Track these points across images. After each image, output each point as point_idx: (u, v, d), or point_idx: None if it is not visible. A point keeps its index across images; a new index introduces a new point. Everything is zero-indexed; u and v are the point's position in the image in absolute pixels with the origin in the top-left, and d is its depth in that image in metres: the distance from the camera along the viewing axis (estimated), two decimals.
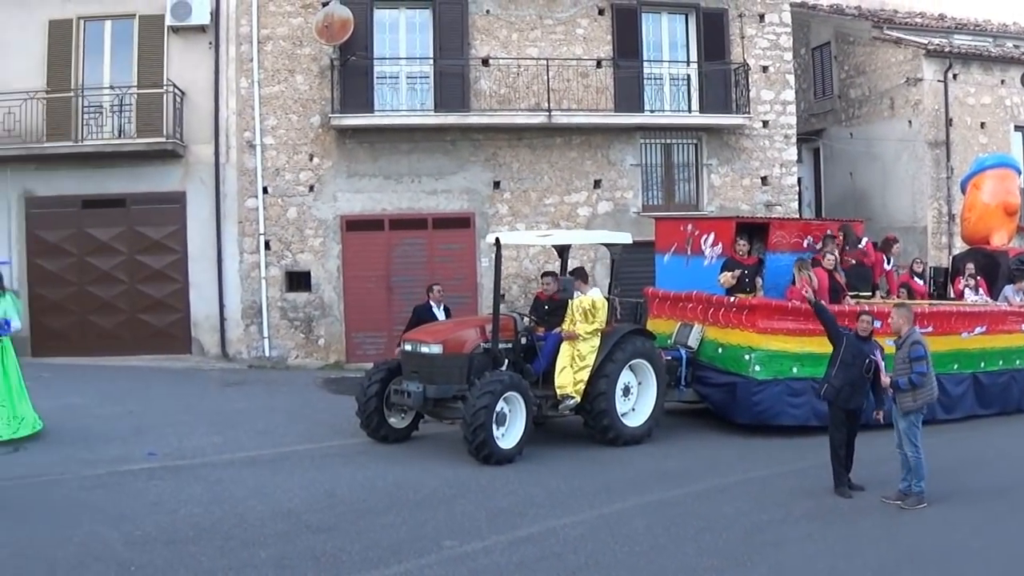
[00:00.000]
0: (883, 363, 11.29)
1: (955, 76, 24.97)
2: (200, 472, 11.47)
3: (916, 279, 19.00)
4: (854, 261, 16.95)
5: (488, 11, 21.49)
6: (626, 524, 10.03)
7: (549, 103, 21.09)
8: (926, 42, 25.23)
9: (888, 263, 18.19)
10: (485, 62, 21.40)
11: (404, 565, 8.34)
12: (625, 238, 15.40)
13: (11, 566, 7.85)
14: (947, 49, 25.30)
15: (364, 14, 20.66)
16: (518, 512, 10.36)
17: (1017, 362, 18.39)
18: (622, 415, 14.04)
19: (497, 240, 13.84)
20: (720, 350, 15.86)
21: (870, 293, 17.36)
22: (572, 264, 15.67)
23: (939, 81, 24.73)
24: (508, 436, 12.64)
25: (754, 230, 16.91)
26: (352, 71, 20.55)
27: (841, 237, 16.81)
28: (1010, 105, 25.87)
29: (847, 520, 10.46)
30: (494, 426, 12.35)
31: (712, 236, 16.87)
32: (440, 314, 15.22)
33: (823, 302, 14.93)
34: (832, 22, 28.13)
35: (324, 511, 9.95)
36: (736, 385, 15.43)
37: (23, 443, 12.37)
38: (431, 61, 21.18)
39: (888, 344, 11.48)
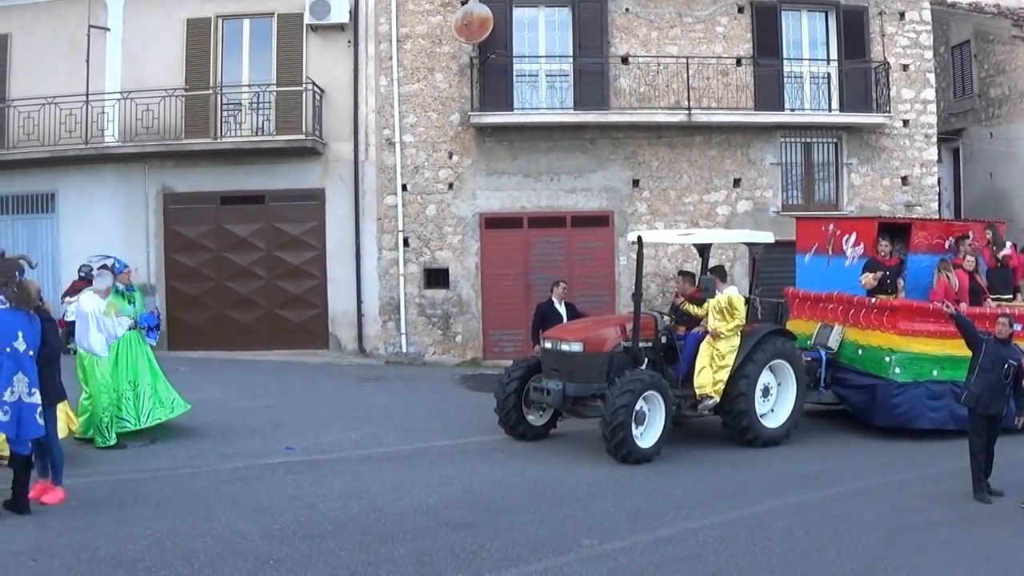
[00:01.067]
0: None
1: None
2: (338, 467, 11.55)
3: None
4: (999, 262, 16.68)
5: (627, 9, 21.49)
6: (765, 526, 9.99)
7: (689, 101, 21.01)
8: None
9: None
10: (624, 60, 21.37)
11: (543, 563, 8.32)
12: (767, 237, 15.36)
13: (149, 557, 7.94)
14: None
15: (503, 12, 20.82)
16: (657, 512, 10.35)
17: None
18: (761, 416, 13.97)
19: (639, 238, 13.83)
20: (860, 352, 15.73)
21: (1011, 296, 17.04)
22: (712, 264, 15.65)
23: None
24: (647, 435, 12.62)
25: (895, 231, 16.76)
26: (491, 69, 20.70)
27: (990, 235, 16.59)
28: None
29: (986, 526, 10.34)
30: (633, 425, 12.35)
31: (854, 236, 16.76)
32: (563, 311, 15.21)
33: (964, 303, 15.01)
34: (971, 20, 27.59)
35: (462, 508, 9.96)
36: (876, 387, 15.29)
37: (160, 436, 12.59)
38: (570, 59, 21.23)
39: None
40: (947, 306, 12.02)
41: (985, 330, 11.89)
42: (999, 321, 11.39)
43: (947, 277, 15.40)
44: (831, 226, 17.48)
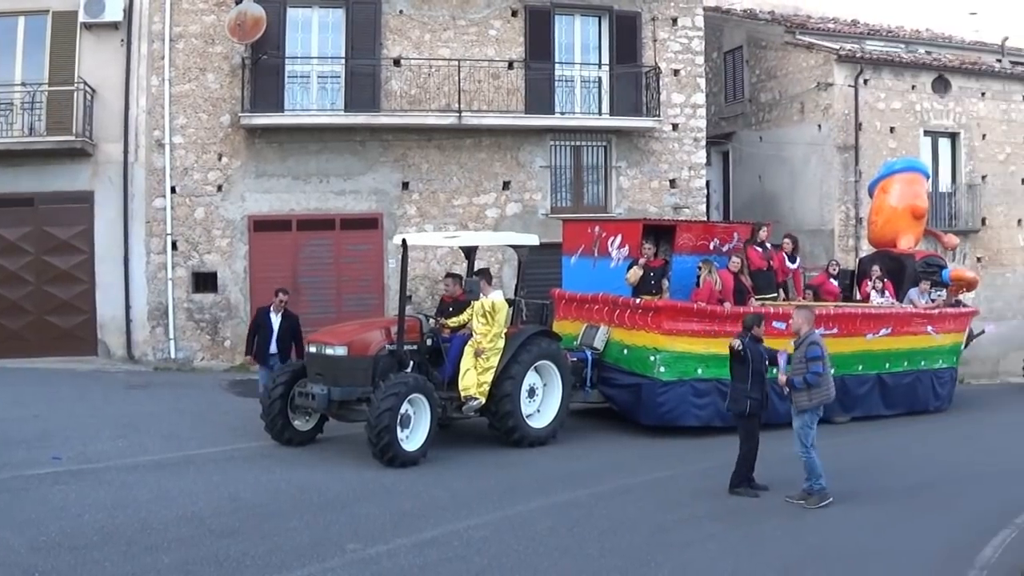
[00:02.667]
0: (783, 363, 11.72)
1: (866, 81, 25.70)
2: (104, 476, 11.50)
3: (832, 280, 19.64)
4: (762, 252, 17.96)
5: (401, 11, 21.75)
6: (530, 526, 10.24)
7: (460, 104, 21.36)
8: (838, 47, 25.94)
9: (793, 263, 18.89)
10: (397, 62, 21.62)
11: (307, 569, 8.47)
12: (532, 240, 15.67)
13: None
14: (858, 55, 26.02)
15: (277, 13, 20.77)
16: (422, 515, 10.51)
17: (922, 363, 19.22)
18: (527, 416, 14.23)
19: (404, 241, 13.99)
20: (626, 351, 16.21)
21: (775, 295, 17.94)
22: (479, 266, 15.90)
23: (850, 86, 25.43)
24: (413, 438, 12.75)
25: (661, 232, 17.32)
26: (263, 70, 20.69)
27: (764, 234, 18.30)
28: (920, 110, 26.71)
29: (751, 520, 10.82)
30: (399, 428, 12.45)
31: (619, 238, 17.18)
32: (276, 321, 15.27)
33: (728, 303, 15.99)
34: (745, 26, 28.90)
35: (228, 515, 10.03)
36: (641, 386, 15.81)
37: None
38: (342, 61, 21.35)
39: (791, 345, 11.93)
40: (734, 343, 12.11)
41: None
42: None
43: (714, 278, 16.08)
44: (597, 228, 17.98)
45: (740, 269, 16.77)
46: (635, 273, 16.14)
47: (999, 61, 29.42)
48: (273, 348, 15.20)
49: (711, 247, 17.25)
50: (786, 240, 19.08)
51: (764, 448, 12.22)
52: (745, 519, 10.88)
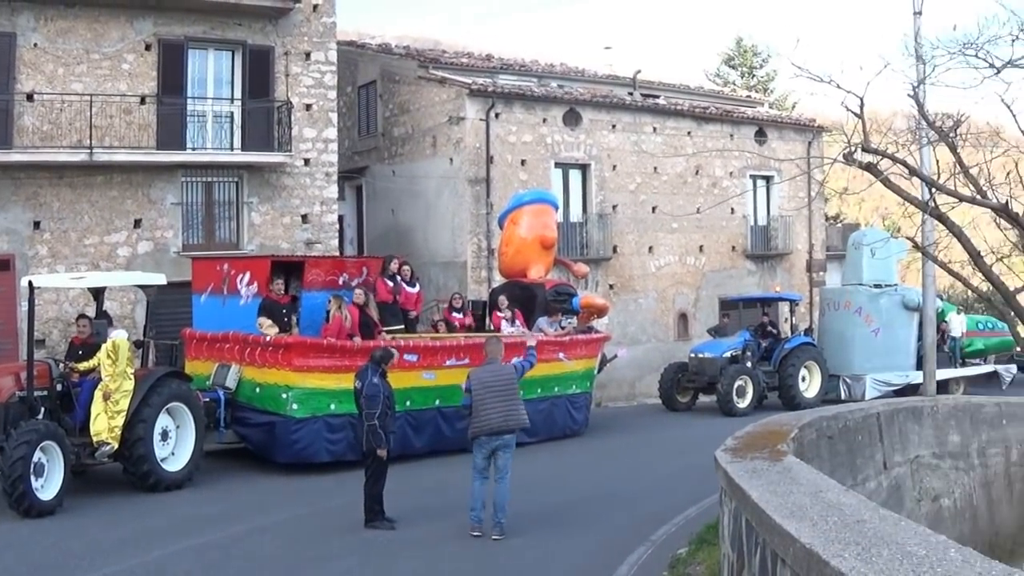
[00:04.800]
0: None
1: (497, 115, 31.70)
2: None
3: (455, 313, 23.86)
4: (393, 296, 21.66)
5: (36, 44, 24.58)
6: (166, 571, 11.81)
7: (91, 140, 24.50)
8: (470, 82, 31.83)
9: (413, 287, 22.95)
10: (30, 97, 24.41)
11: None
12: (158, 279, 18.46)
13: None
14: (491, 89, 32.01)
15: None
16: (58, 566, 11.91)
17: (556, 389, 23.23)
18: (161, 460, 16.33)
19: (30, 283, 16.05)
20: (258, 390, 18.84)
21: (402, 327, 21.80)
22: (110, 307, 18.65)
23: (481, 120, 31.31)
24: (48, 487, 14.36)
25: (291, 268, 20.59)
26: None
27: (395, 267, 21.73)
28: (551, 143, 33.11)
29: (386, 553, 12.96)
30: (32, 477, 13.96)
31: (248, 275, 20.04)
32: None
33: (357, 337, 19.18)
34: (380, 61, 34.39)
35: None
36: (275, 424, 18.44)
37: None
38: None
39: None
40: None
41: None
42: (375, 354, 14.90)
43: (344, 314, 19.15)
44: (226, 266, 21.00)
45: (365, 302, 20.01)
46: (267, 325, 19.05)
47: (631, 94, 36.74)
48: None
49: (340, 282, 20.52)
50: (404, 267, 22.92)
51: (403, 480, 15.20)
52: (380, 553, 12.92)
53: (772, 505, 6.91)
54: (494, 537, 13.83)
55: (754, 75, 58.14)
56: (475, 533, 13.95)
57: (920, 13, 27.53)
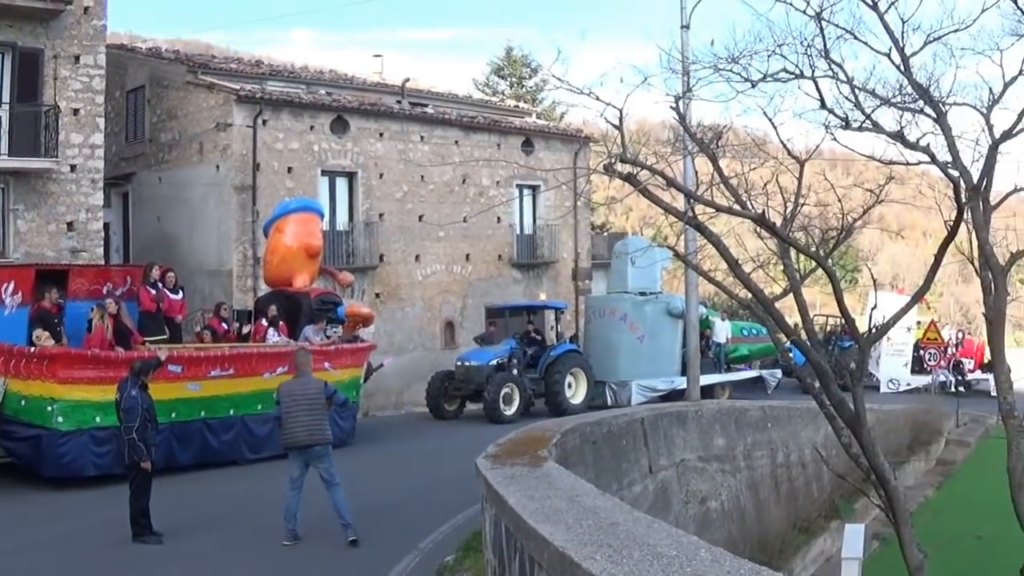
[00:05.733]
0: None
1: (265, 122, 33.88)
2: None
3: (222, 322, 25.28)
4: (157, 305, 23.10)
5: None
6: None
7: None
8: (238, 88, 33.96)
9: (176, 294, 24.49)
10: None
11: None
12: None
13: None
14: (259, 95, 34.05)
15: None
16: None
17: None
18: None
19: None
20: (24, 402, 19.51)
21: (166, 336, 23.14)
22: None
23: (248, 126, 33.40)
24: None
25: (58, 277, 21.74)
26: None
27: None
28: (318, 150, 35.40)
29: (155, 567, 13.68)
30: None
31: (12, 284, 20.72)
32: None
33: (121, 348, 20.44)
34: (149, 65, 36.15)
35: None
36: (41, 438, 19.10)
37: None
38: None
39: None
40: None
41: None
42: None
43: (105, 324, 20.27)
44: None
45: (117, 311, 21.05)
46: (43, 335, 19.86)
47: (399, 102, 39.39)
48: None
49: (105, 291, 21.69)
50: (169, 274, 24.44)
51: (169, 493, 16.00)
52: (149, 567, 13.53)
53: (529, 510, 7.38)
54: (351, 539, 15.08)
55: (523, 85, 61.39)
56: (286, 542, 15.08)
57: (687, 27, 30.78)
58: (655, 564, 5.46)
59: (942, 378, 44.92)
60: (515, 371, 32.86)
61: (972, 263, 16.14)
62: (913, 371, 47.34)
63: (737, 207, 15.12)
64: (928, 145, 15.44)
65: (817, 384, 15.14)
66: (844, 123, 15.59)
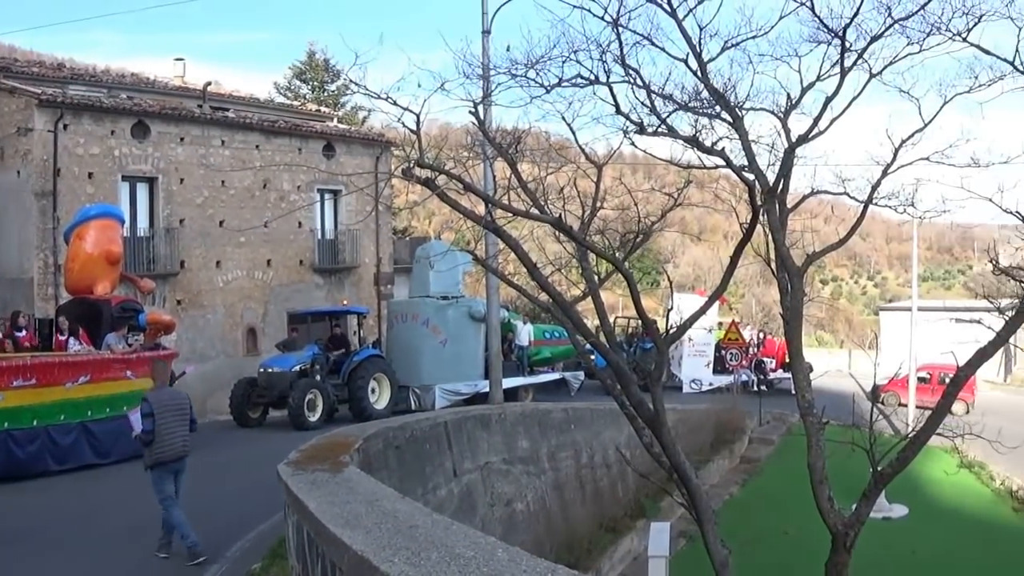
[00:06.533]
0: None
1: (66, 126, 34.20)
2: None
3: (18, 332, 25.07)
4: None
5: None
6: None
7: None
8: (40, 92, 34.05)
9: None
10: None
11: None
12: None
13: None
14: (60, 99, 34.29)
15: None
16: None
17: (125, 408, 22.97)
18: None
19: None
20: None
21: None
22: None
23: (50, 131, 33.64)
24: None
25: None
26: None
27: None
28: (119, 155, 35.87)
29: None
30: None
31: None
32: None
33: None
34: None
35: None
36: None
37: None
38: None
39: None
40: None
41: None
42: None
43: None
44: None
45: None
46: None
47: (201, 107, 40.06)
48: None
49: None
50: None
51: None
52: None
53: (329, 515, 7.49)
54: (201, 559, 15.03)
55: (325, 89, 62.33)
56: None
57: (489, 32, 31.91)
58: (452, 565, 5.68)
59: (744, 378, 47.51)
60: (318, 377, 33.47)
61: (769, 264, 16.75)
62: (715, 371, 50.26)
63: (535, 211, 15.40)
64: (724, 149, 15.93)
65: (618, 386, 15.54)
66: (639, 128, 15.96)
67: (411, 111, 14.44)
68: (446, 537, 6.42)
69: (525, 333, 42.79)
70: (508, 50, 20.92)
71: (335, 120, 50.47)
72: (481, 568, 5.60)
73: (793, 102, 16.23)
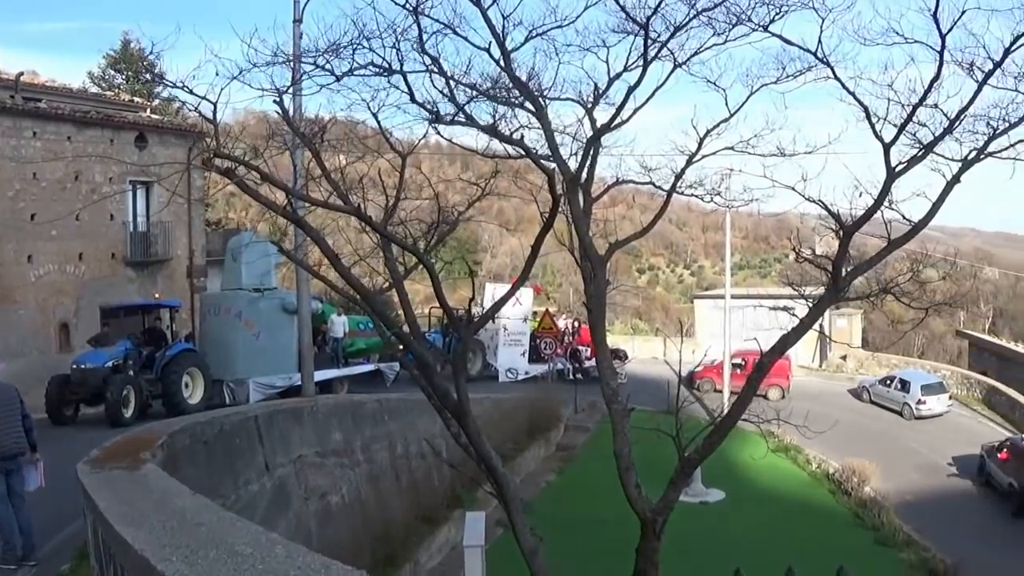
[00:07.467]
0: None
1: None
2: None
3: None
4: None
5: None
6: None
7: None
8: None
9: None
10: None
11: None
12: None
13: None
14: None
15: None
16: None
17: None
18: None
19: None
20: None
21: None
22: None
23: None
24: None
25: None
26: None
27: None
28: None
29: None
30: None
31: None
32: None
33: None
34: None
35: None
36: None
37: None
38: None
39: None
40: None
41: None
42: None
43: None
44: None
45: None
46: None
47: (12, 97, 39.59)
48: None
49: None
50: None
51: None
52: None
53: (117, 514, 7.43)
54: (31, 564, 14.78)
55: (139, 79, 61.38)
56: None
57: (300, 21, 32.61)
58: (229, 563, 5.74)
59: (559, 366, 49.14)
60: (131, 372, 33.43)
61: (572, 253, 17.35)
62: (531, 360, 51.76)
63: (338, 201, 15.43)
64: (523, 138, 16.20)
65: None
66: (435, 116, 16.06)
67: (208, 100, 14.23)
68: (228, 534, 6.56)
69: (340, 325, 43.58)
70: (301, 37, 21.16)
71: (148, 111, 50.00)
72: (256, 566, 5.75)
73: (600, 92, 16.79)
